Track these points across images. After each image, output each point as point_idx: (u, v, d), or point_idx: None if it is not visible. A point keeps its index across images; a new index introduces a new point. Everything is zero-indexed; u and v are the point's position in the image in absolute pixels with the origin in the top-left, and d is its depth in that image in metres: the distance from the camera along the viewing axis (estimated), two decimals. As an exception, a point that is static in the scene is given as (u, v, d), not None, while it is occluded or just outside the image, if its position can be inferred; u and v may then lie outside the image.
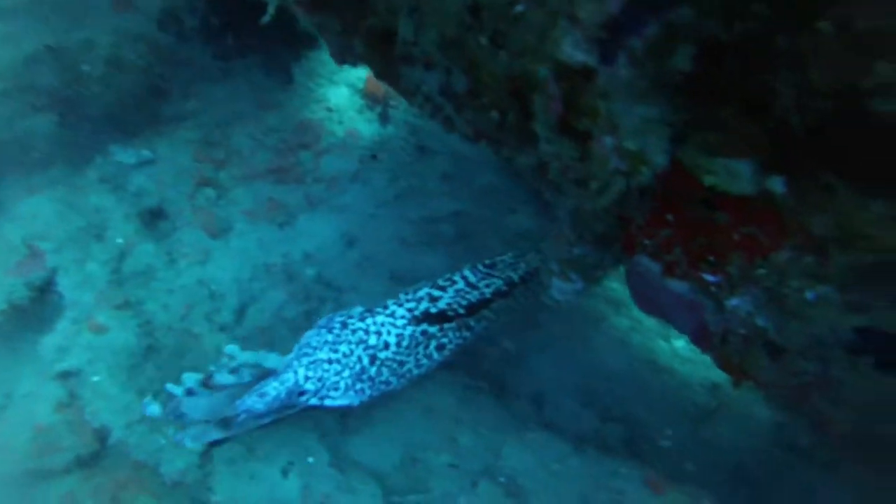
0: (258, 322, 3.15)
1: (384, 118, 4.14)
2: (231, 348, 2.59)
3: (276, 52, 4.19)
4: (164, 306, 3.04)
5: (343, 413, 2.86)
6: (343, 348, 2.43)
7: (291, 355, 2.49)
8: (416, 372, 2.61)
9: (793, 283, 1.85)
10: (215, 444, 2.49)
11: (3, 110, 2.83)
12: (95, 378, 2.66)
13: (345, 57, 2.79)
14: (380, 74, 2.65)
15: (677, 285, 2.16)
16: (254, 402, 2.26)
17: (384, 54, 2.43)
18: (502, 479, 2.44)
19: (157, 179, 3.50)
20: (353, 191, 3.68)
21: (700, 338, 2.27)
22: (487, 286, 2.74)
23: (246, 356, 2.55)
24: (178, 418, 2.41)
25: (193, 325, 3.05)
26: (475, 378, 2.90)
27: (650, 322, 3.30)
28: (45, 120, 3.02)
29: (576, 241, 2.35)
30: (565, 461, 2.36)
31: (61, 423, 2.65)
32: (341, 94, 4.28)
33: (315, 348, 2.42)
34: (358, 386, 2.44)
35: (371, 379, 2.46)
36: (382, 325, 2.53)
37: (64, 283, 2.86)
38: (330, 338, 2.45)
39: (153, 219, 3.37)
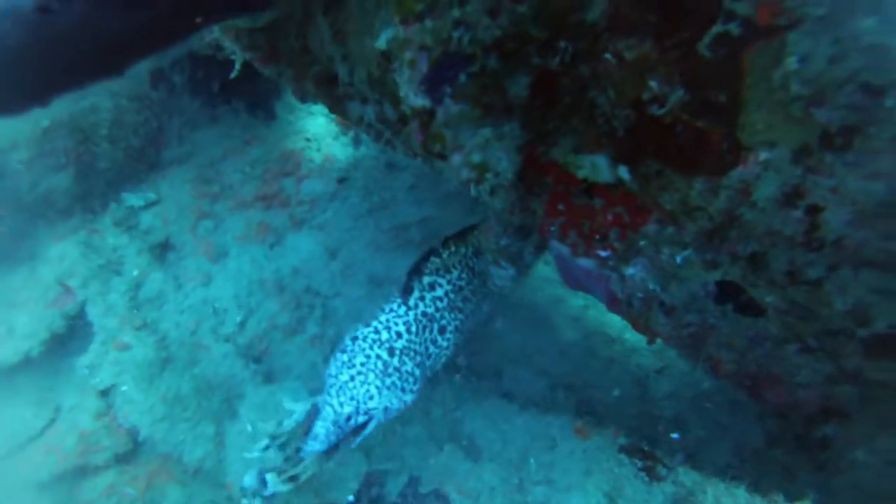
0: (257, 331, 3.66)
1: (356, 141, 4.62)
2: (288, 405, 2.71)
3: (259, 92, 4.72)
4: (176, 324, 3.57)
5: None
6: (359, 359, 2.51)
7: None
8: (430, 364, 2.74)
9: (664, 250, 2.25)
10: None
11: (29, 175, 3.41)
12: (124, 388, 3.18)
13: (304, 97, 3.27)
14: (331, 109, 3.12)
15: (584, 262, 2.56)
16: (312, 446, 2.29)
17: (331, 93, 2.90)
18: (464, 442, 2.86)
19: (163, 217, 4.04)
20: (332, 209, 4.16)
21: (612, 304, 2.66)
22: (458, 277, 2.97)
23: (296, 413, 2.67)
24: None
25: (202, 338, 3.57)
26: (447, 367, 3.30)
27: (602, 299, 3.68)
28: (65, 177, 3.60)
29: (501, 233, 2.79)
30: (512, 421, 2.77)
31: (101, 428, 3.19)
32: (318, 123, 4.79)
33: (337, 375, 2.48)
34: (388, 381, 2.48)
35: (397, 370, 2.52)
36: (388, 320, 2.66)
37: (92, 312, 3.41)
38: (345, 358, 2.53)
39: (162, 251, 3.90)
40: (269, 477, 2.39)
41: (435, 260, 2.91)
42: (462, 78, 1.51)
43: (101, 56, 1.09)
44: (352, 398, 2.39)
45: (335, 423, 2.33)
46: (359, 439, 2.48)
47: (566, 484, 2.34)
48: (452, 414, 3.03)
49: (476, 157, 1.70)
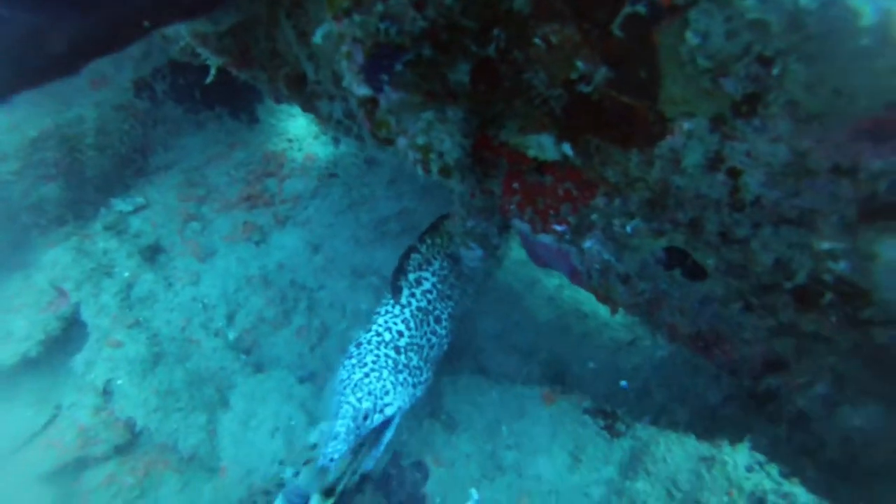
0: (245, 325, 3.81)
1: (336, 140, 4.78)
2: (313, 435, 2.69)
3: (241, 97, 4.87)
4: (167, 322, 3.72)
5: (318, 388, 3.49)
6: (369, 358, 2.56)
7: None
8: (433, 354, 2.83)
9: (615, 221, 2.39)
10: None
11: (20, 185, 3.57)
12: (119, 382, 3.34)
13: (278, 98, 3.42)
14: (304, 108, 3.27)
15: (544, 238, 2.70)
16: (333, 447, 2.22)
17: (301, 93, 3.04)
18: (443, 417, 3.01)
19: (151, 221, 4.20)
20: (314, 206, 4.31)
21: (574, 277, 2.81)
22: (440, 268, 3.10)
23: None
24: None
25: (193, 334, 3.72)
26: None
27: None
28: (55, 186, 3.76)
29: (466, 216, 2.93)
30: (486, 394, 2.92)
31: (99, 422, 3.34)
32: (299, 124, 4.94)
33: (349, 376, 2.49)
34: (400, 378, 2.54)
35: (406, 366, 2.60)
36: (386, 322, 2.75)
37: (86, 313, 3.56)
38: (354, 360, 2.58)
39: (152, 253, 4.06)
40: (314, 500, 2.29)
41: (416, 256, 3.02)
42: (398, 67, 1.66)
43: (52, 59, 1.22)
44: (369, 393, 2.38)
45: (354, 419, 2.29)
46: (384, 442, 2.46)
47: (533, 447, 2.49)
48: (432, 393, 3.18)
49: (420, 140, 1.85)
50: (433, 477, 2.63)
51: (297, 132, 4.86)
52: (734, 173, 1.83)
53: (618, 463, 2.24)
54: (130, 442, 3.33)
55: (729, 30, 1.52)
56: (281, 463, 2.98)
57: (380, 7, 1.42)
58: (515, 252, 4.03)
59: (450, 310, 3.06)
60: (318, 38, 1.59)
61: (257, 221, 4.25)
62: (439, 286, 3.06)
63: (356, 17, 1.44)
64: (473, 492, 2.44)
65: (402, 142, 1.83)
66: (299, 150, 4.73)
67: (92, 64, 1.31)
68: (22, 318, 3.42)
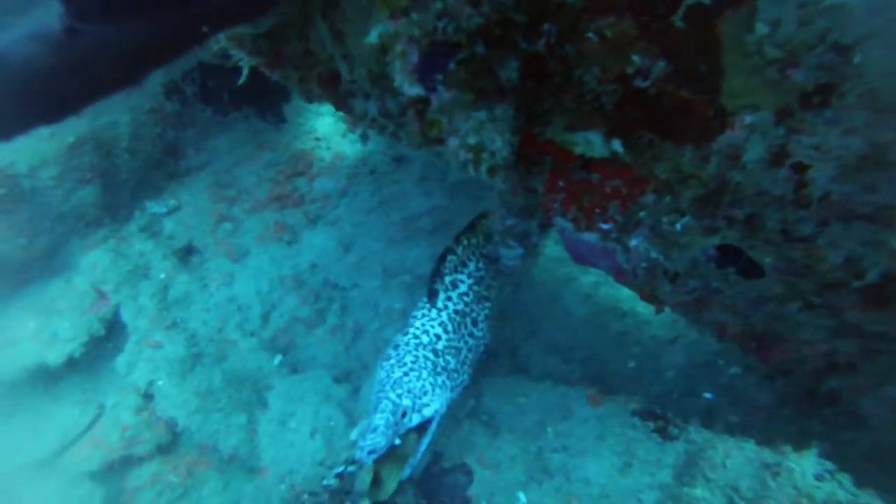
0: (279, 324, 3.82)
1: (364, 138, 4.75)
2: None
3: (268, 98, 4.88)
4: (204, 322, 3.75)
5: (354, 388, 3.49)
6: (408, 358, 2.57)
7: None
8: (470, 357, 2.83)
9: (664, 219, 2.32)
10: None
11: (60, 190, 3.62)
12: (160, 383, 3.37)
13: (310, 98, 3.40)
14: (337, 107, 3.24)
15: (588, 236, 2.64)
16: (372, 440, 2.22)
17: (335, 92, 3.01)
18: (484, 417, 2.98)
19: (184, 223, 4.22)
20: (344, 204, 4.30)
21: (618, 276, 2.74)
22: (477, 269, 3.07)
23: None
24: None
25: (229, 334, 3.75)
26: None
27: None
28: (92, 190, 3.80)
29: (506, 214, 2.88)
30: (528, 395, 2.88)
31: (141, 422, 3.39)
32: (326, 123, 4.93)
33: (388, 378, 2.49)
34: (439, 380, 2.54)
35: (444, 369, 2.60)
36: (423, 325, 2.75)
37: (125, 315, 3.61)
38: (393, 360, 2.59)
39: (186, 255, 4.09)
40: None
41: (451, 258, 2.99)
42: (452, 65, 1.61)
43: (119, 70, 1.22)
44: (408, 391, 2.39)
45: (393, 413, 2.30)
46: (422, 449, 2.46)
47: (581, 450, 2.44)
48: (471, 392, 3.15)
49: (472, 140, 1.80)
50: (477, 479, 2.60)
51: (325, 130, 4.85)
52: (800, 168, 1.75)
53: (671, 467, 2.18)
54: (172, 442, 3.37)
55: (802, 17, 1.44)
56: (321, 464, 2.98)
57: (438, 5, 1.38)
58: (550, 249, 3.97)
59: (486, 311, 3.03)
60: (373, 37, 1.54)
61: (288, 221, 4.25)
62: (475, 288, 3.02)
63: (414, 16, 1.40)
64: (521, 495, 2.40)
65: (453, 142, 1.79)
66: (327, 148, 4.71)
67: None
68: (66, 319, 3.48)
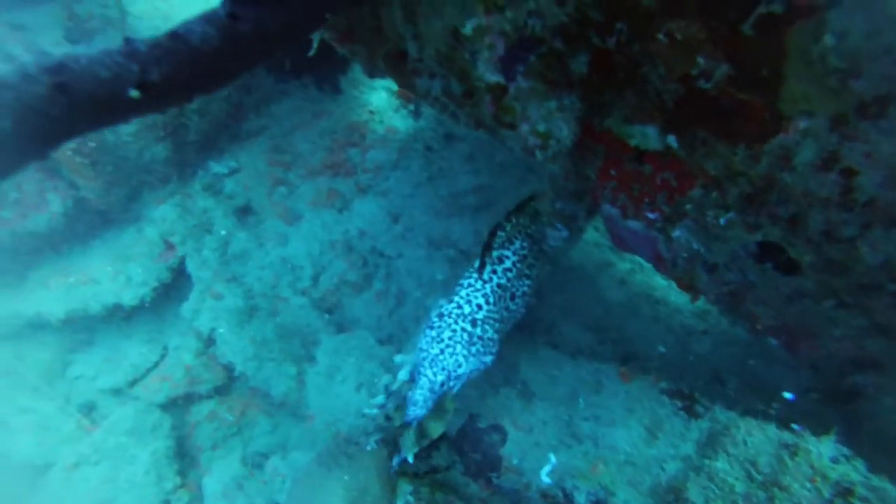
0: (328, 286, 4.08)
1: (416, 114, 4.91)
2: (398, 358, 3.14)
3: (326, 69, 5.06)
4: (259, 279, 4.03)
5: (396, 351, 3.73)
6: (446, 334, 2.80)
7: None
8: (505, 328, 3.03)
9: (709, 212, 2.45)
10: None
11: (136, 145, 3.90)
12: (220, 330, 3.68)
13: (373, 73, 3.57)
14: (400, 84, 3.41)
15: (633, 224, 2.78)
16: (414, 411, 2.63)
17: (400, 69, 3.17)
18: (518, 386, 3.18)
19: (243, 183, 4.49)
20: (395, 177, 4.49)
21: (658, 264, 2.89)
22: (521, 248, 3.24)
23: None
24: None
25: (282, 291, 4.02)
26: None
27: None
28: (163, 147, 4.08)
29: (556, 197, 3.04)
30: (562, 368, 3.07)
31: (201, 364, 3.71)
32: (380, 97, 5.10)
33: (428, 349, 2.79)
34: (473, 350, 2.79)
35: (480, 338, 2.83)
36: (468, 295, 2.95)
37: (190, 266, 3.91)
38: (434, 333, 2.84)
39: (244, 214, 4.36)
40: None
41: (500, 234, 3.16)
42: (532, 58, 1.77)
43: (265, 48, 1.41)
44: (443, 368, 2.71)
45: (431, 389, 2.66)
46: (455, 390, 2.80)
47: (610, 420, 2.64)
48: (507, 362, 3.36)
49: (541, 127, 1.96)
50: (511, 439, 2.83)
51: (379, 104, 5.02)
52: (849, 173, 1.86)
53: (695, 441, 2.36)
54: (227, 385, 3.69)
55: (870, 29, 1.54)
56: (365, 416, 3.23)
57: (531, 4, 1.53)
58: (589, 234, 4.11)
59: (525, 287, 3.20)
60: (468, 29, 1.71)
61: (340, 189, 4.47)
62: (519, 265, 3.20)
63: (508, 13, 1.55)
64: (552, 455, 2.62)
65: (524, 127, 1.95)
66: (380, 122, 4.89)
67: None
68: (138, 265, 3.80)
